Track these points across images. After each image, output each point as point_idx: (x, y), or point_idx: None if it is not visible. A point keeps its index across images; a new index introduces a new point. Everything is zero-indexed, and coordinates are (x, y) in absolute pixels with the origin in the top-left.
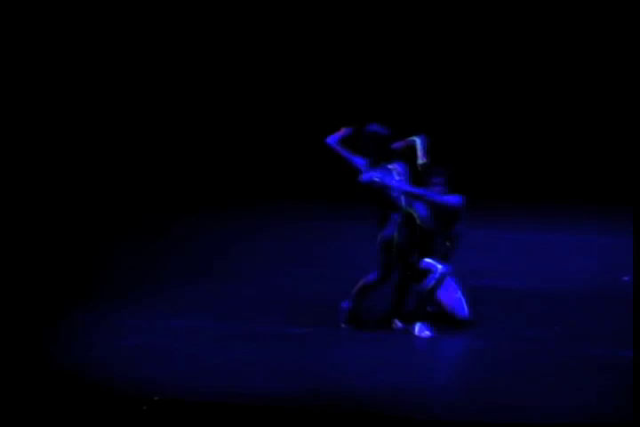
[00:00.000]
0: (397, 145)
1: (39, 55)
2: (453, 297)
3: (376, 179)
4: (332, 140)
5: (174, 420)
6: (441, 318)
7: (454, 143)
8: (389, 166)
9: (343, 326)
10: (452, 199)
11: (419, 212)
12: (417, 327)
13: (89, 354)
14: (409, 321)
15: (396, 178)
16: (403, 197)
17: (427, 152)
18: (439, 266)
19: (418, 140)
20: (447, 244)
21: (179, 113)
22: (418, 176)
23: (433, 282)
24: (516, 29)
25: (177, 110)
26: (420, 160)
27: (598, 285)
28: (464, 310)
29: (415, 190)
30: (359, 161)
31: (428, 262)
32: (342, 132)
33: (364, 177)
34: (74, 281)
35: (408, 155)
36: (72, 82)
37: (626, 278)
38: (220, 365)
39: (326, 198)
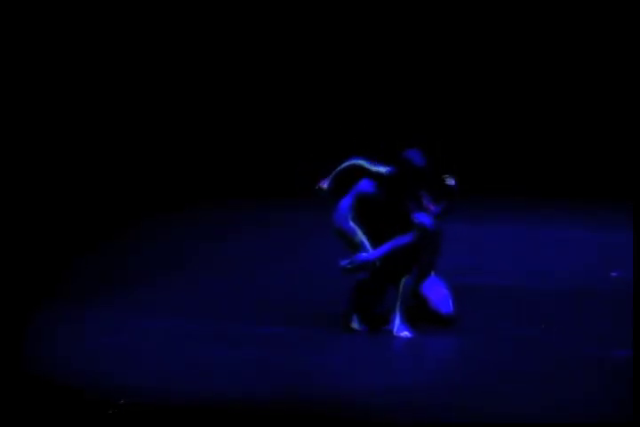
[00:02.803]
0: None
1: (25, 47)
2: (439, 292)
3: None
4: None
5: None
6: (424, 314)
7: (437, 134)
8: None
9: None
10: (410, 236)
11: None
12: (396, 327)
13: (55, 354)
14: (387, 320)
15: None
16: None
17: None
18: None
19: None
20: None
21: (157, 108)
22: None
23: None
24: (510, 23)
25: (155, 105)
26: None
27: (587, 282)
28: (449, 306)
29: (384, 250)
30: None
31: None
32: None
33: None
34: (41, 279)
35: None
36: (52, 81)
37: (614, 274)
38: (194, 366)
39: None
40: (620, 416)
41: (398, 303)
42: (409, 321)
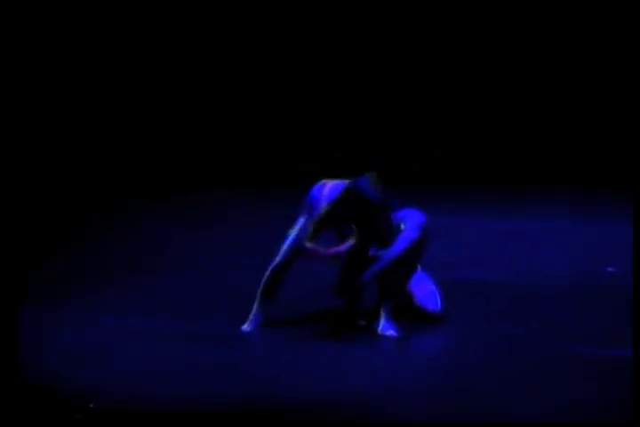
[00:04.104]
0: None
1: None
2: (426, 289)
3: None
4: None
5: None
6: (410, 312)
7: (413, 123)
8: None
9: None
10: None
11: None
12: (381, 325)
13: (23, 356)
14: (372, 318)
15: None
16: None
17: None
18: None
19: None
20: None
21: (129, 95)
22: None
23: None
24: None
25: (129, 93)
26: None
27: (578, 277)
28: (437, 303)
29: (374, 271)
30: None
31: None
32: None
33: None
34: (10, 276)
35: None
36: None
37: (610, 269)
38: (166, 368)
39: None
40: (620, 416)
41: (384, 302)
42: (395, 320)
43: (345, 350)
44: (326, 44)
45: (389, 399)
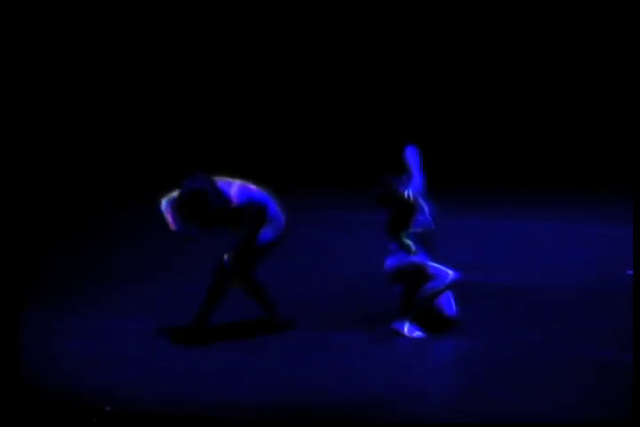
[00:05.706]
0: None
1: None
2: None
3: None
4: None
5: None
6: (426, 317)
7: (428, 124)
8: None
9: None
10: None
11: None
12: (406, 327)
13: (33, 358)
14: (396, 322)
15: None
16: None
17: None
18: (450, 272)
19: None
20: None
21: (134, 91)
22: None
23: (441, 287)
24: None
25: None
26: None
27: (595, 280)
28: (452, 308)
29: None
30: None
31: (436, 267)
32: None
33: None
34: (21, 279)
35: None
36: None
37: (630, 272)
38: (180, 372)
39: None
40: (620, 416)
41: (414, 305)
42: (417, 322)
43: (359, 354)
44: (326, 45)
45: (405, 402)
